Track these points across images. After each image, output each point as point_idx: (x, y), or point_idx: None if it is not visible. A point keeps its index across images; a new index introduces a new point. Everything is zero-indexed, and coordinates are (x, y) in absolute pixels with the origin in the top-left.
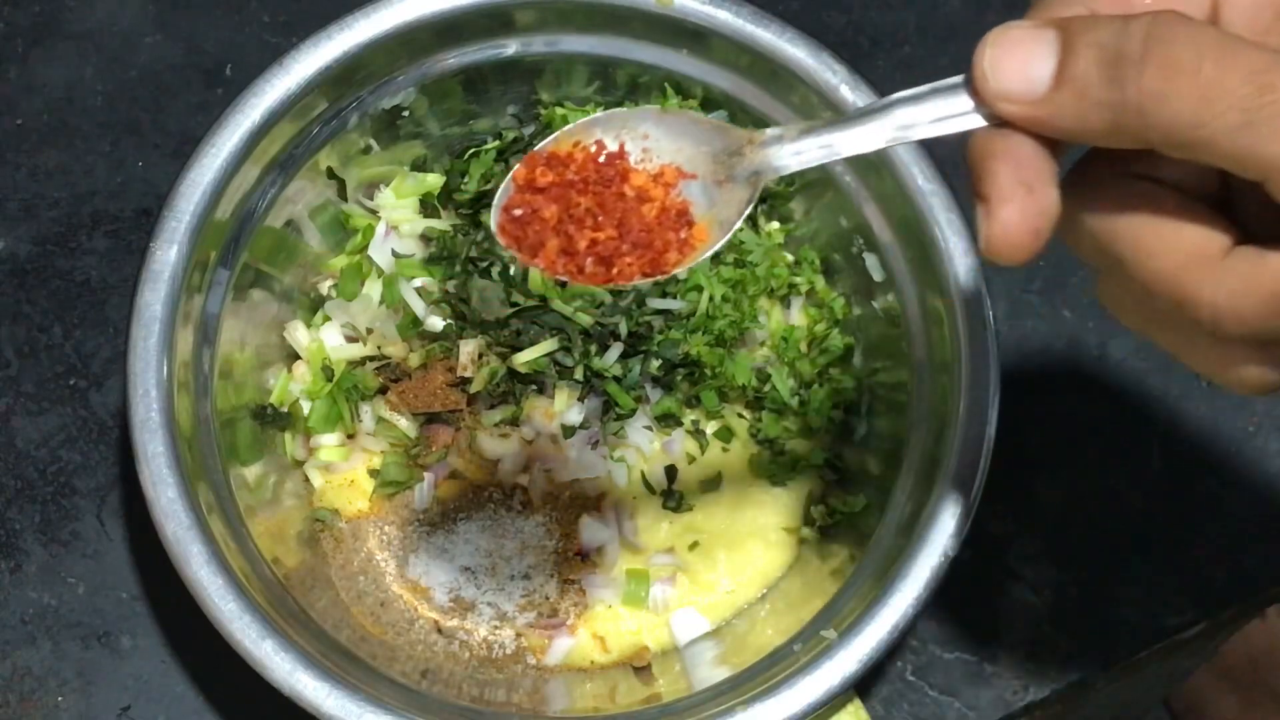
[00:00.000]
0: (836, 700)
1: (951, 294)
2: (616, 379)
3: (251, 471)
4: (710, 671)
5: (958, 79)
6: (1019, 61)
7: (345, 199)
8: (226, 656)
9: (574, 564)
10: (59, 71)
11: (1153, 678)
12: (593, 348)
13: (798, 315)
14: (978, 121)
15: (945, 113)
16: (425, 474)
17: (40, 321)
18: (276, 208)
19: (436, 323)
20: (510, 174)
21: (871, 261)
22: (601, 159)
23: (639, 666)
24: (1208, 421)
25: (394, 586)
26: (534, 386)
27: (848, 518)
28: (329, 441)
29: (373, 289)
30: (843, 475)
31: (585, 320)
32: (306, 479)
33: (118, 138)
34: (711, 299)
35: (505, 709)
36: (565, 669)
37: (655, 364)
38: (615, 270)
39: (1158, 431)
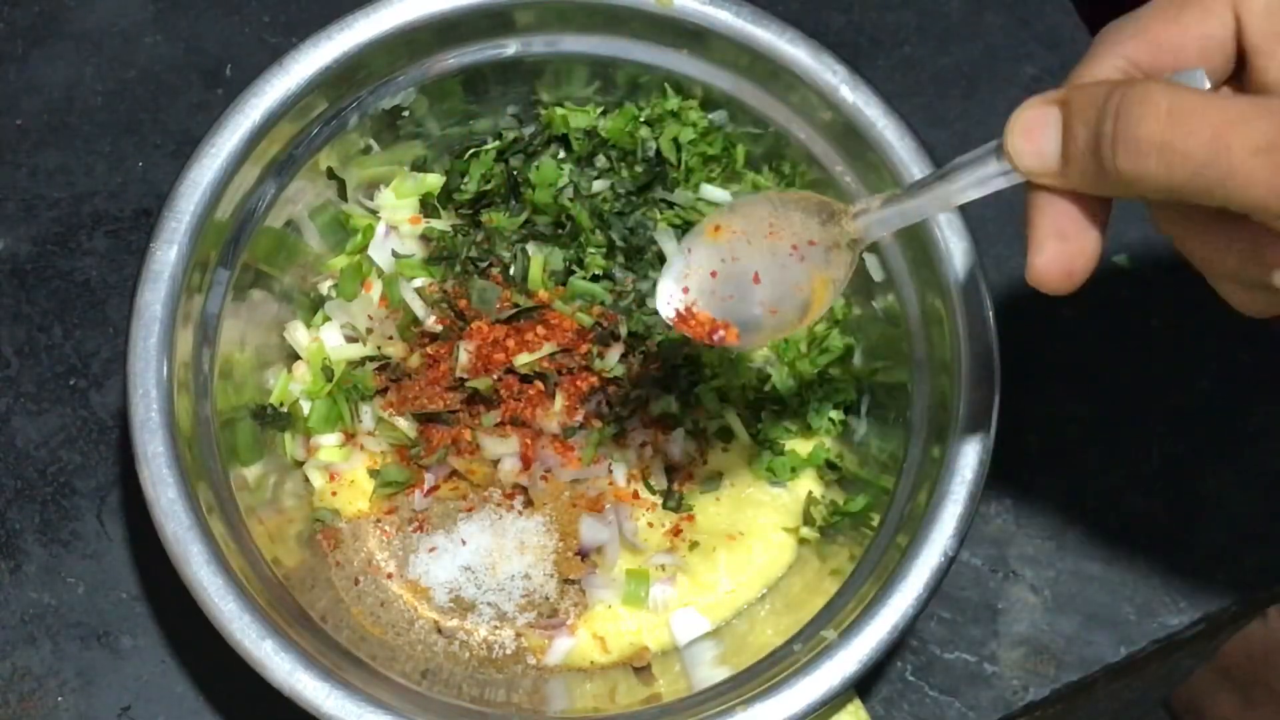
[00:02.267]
0: (836, 700)
1: (951, 294)
2: (616, 379)
3: (251, 472)
4: (710, 671)
5: (998, 141)
6: (1033, 145)
7: (345, 199)
8: (226, 656)
9: (574, 564)
10: (59, 71)
11: (1153, 678)
12: (593, 348)
13: None
14: (1019, 179)
15: (996, 171)
16: (425, 474)
17: (40, 321)
18: (276, 208)
19: (436, 323)
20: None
21: (871, 261)
22: None
23: (639, 666)
24: (1208, 421)
25: (394, 586)
26: (534, 386)
27: (848, 518)
28: (329, 442)
29: (373, 289)
30: (843, 475)
31: (586, 321)
32: (306, 479)
33: (118, 138)
34: None
35: (505, 709)
36: (565, 669)
37: (655, 364)
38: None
39: (1158, 431)
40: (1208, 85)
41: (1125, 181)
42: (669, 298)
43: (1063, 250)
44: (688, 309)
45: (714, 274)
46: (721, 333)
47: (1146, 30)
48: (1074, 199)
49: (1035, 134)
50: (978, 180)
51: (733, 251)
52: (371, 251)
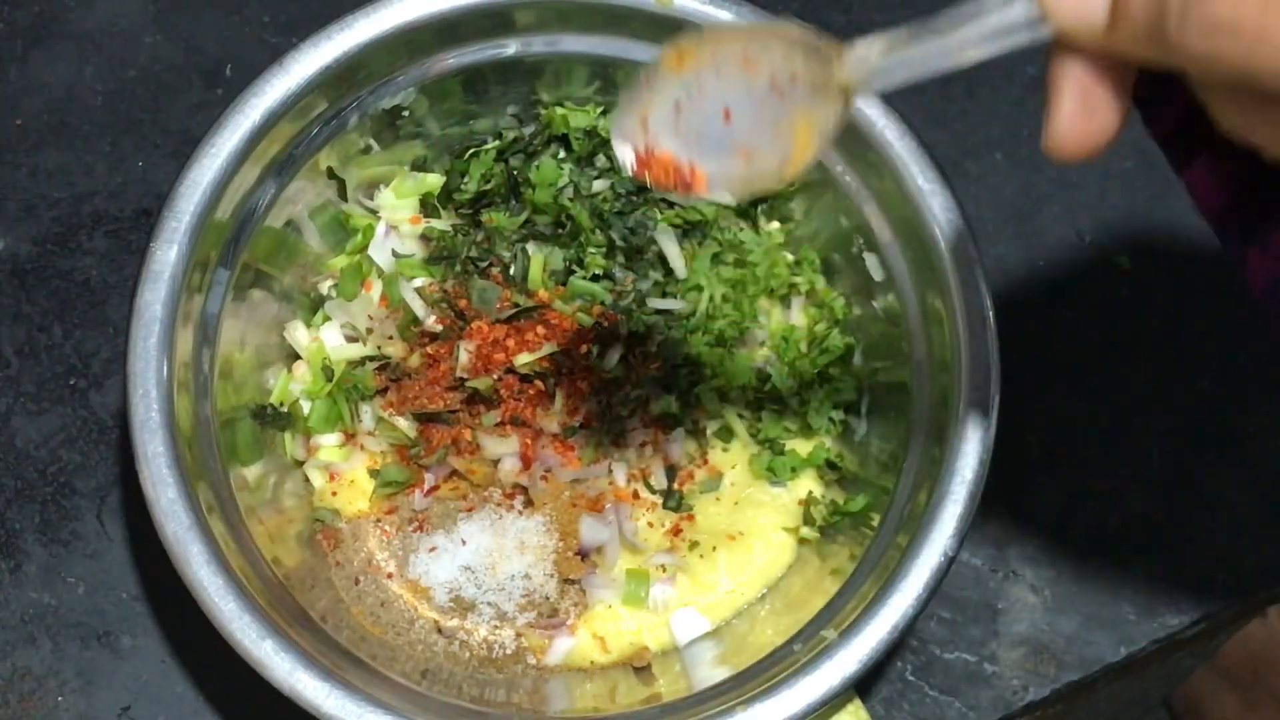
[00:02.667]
0: (836, 700)
1: (951, 294)
2: (616, 379)
3: (251, 471)
4: (710, 671)
5: None
6: (1075, 1)
7: (345, 199)
8: (226, 656)
9: (574, 564)
10: (59, 71)
11: (1153, 678)
12: (593, 348)
13: (798, 315)
14: (1047, 34)
15: (1021, 20)
16: (425, 474)
17: (40, 321)
18: (276, 208)
19: (436, 323)
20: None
21: (871, 261)
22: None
23: (639, 666)
24: (1208, 421)
25: (394, 586)
26: (534, 386)
27: (848, 518)
28: (329, 441)
29: (373, 289)
30: (843, 475)
31: (586, 321)
32: (306, 479)
33: (118, 138)
34: (711, 299)
35: (505, 709)
36: (565, 669)
37: (655, 364)
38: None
39: (1158, 431)
40: None
41: (1188, 58)
42: (627, 134)
43: (1086, 124)
44: (648, 150)
45: (677, 108)
46: (688, 176)
47: None
48: (1106, 69)
49: None
50: (997, 30)
51: (700, 83)
52: (371, 251)
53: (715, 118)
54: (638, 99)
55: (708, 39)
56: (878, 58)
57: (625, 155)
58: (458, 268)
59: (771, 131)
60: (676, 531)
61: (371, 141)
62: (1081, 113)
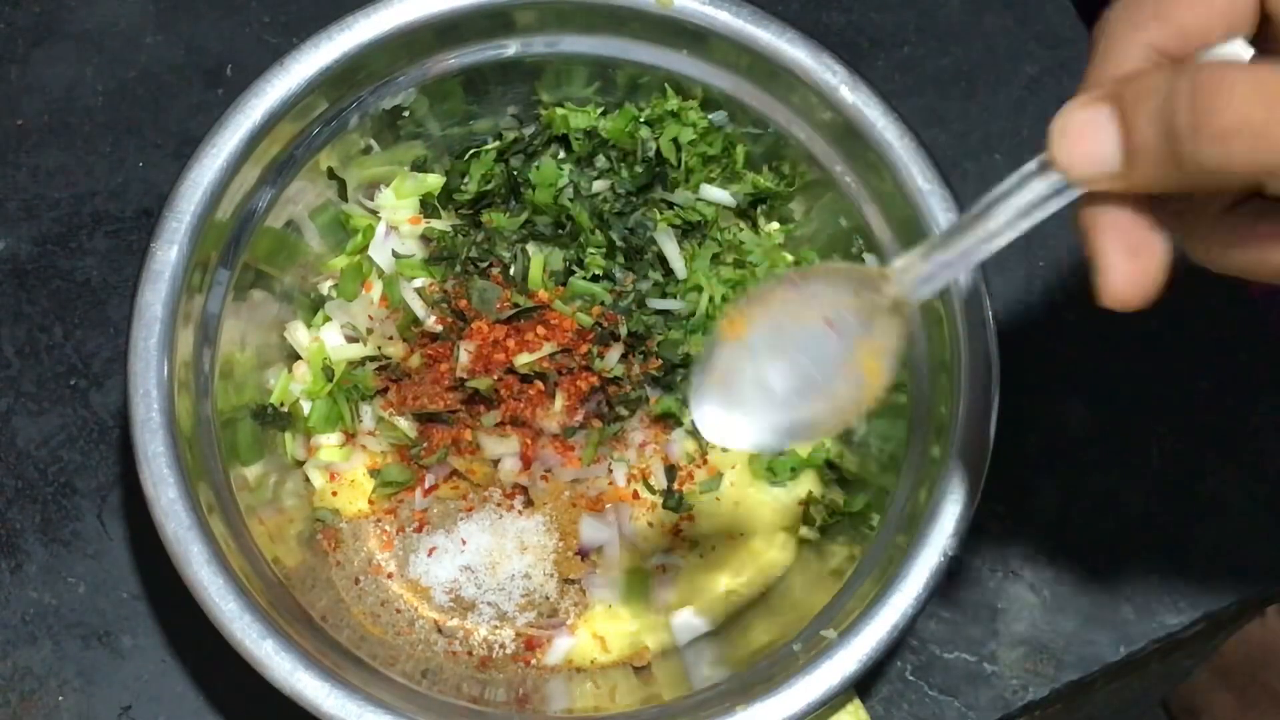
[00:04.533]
0: (836, 700)
1: (951, 294)
2: (616, 379)
3: (252, 471)
4: (710, 671)
5: (1037, 162)
6: (1087, 148)
7: (345, 199)
8: (226, 656)
9: (574, 564)
10: (59, 71)
11: (1152, 678)
12: (593, 348)
13: None
14: (1074, 194)
15: (1044, 193)
16: (425, 474)
17: (41, 321)
18: (277, 208)
19: (437, 323)
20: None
21: (871, 262)
22: None
23: (639, 666)
24: (1208, 421)
25: (394, 586)
26: (534, 386)
27: (848, 518)
28: (329, 441)
29: (373, 289)
30: (843, 475)
31: (586, 321)
32: (307, 479)
33: (118, 138)
34: (711, 299)
35: (505, 709)
36: (565, 669)
37: (655, 364)
38: None
39: (1158, 431)
40: (1250, 54)
41: (1206, 171)
42: (714, 422)
43: (1137, 266)
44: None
45: (743, 371)
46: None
47: (1167, 13)
48: (1135, 207)
49: (1087, 137)
50: (1023, 209)
51: (759, 346)
52: (372, 251)
53: (784, 374)
54: (709, 379)
55: (754, 301)
56: (919, 265)
57: (708, 425)
58: (458, 268)
59: (840, 368)
60: (676, 531)
61: (372, 142)
62: (1128, 256)
